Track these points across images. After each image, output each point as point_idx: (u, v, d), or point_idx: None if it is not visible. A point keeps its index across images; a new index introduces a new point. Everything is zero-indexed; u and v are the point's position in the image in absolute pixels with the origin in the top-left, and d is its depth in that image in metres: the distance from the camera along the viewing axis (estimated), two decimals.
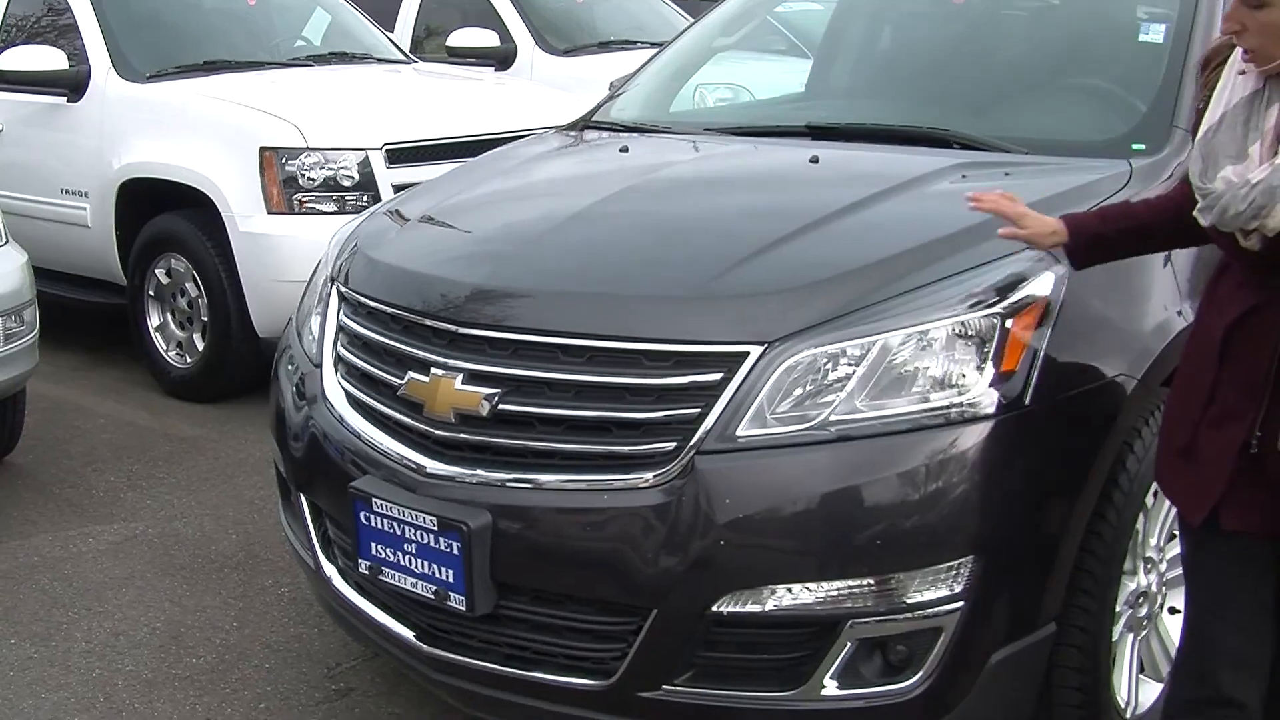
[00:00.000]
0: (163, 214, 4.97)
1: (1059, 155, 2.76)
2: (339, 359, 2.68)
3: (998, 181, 2.61)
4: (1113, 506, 2.33)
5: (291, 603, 3.41)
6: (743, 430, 2.14)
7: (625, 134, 3.29)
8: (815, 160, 2.77)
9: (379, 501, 2.41)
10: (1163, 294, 2.48)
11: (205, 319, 4.91)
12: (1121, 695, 2.52)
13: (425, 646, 2.45)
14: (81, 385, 5.28)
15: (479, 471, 2.31)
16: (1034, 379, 2.17)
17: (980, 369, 2.16)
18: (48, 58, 5.13)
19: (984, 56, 3.24)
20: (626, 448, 2.21)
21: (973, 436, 2.12)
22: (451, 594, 2.33)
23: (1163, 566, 2.62)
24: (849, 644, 2.14)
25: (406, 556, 2.39)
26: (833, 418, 2.14)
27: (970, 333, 2.18)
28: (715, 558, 2.12)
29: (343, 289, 2.75)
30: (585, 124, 3.48)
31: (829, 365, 2.16)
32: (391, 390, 2.49)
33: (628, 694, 2.23)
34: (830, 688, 2.16)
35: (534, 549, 2.26)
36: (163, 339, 5.11)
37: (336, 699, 2.99)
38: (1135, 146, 2.77)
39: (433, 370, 2.40)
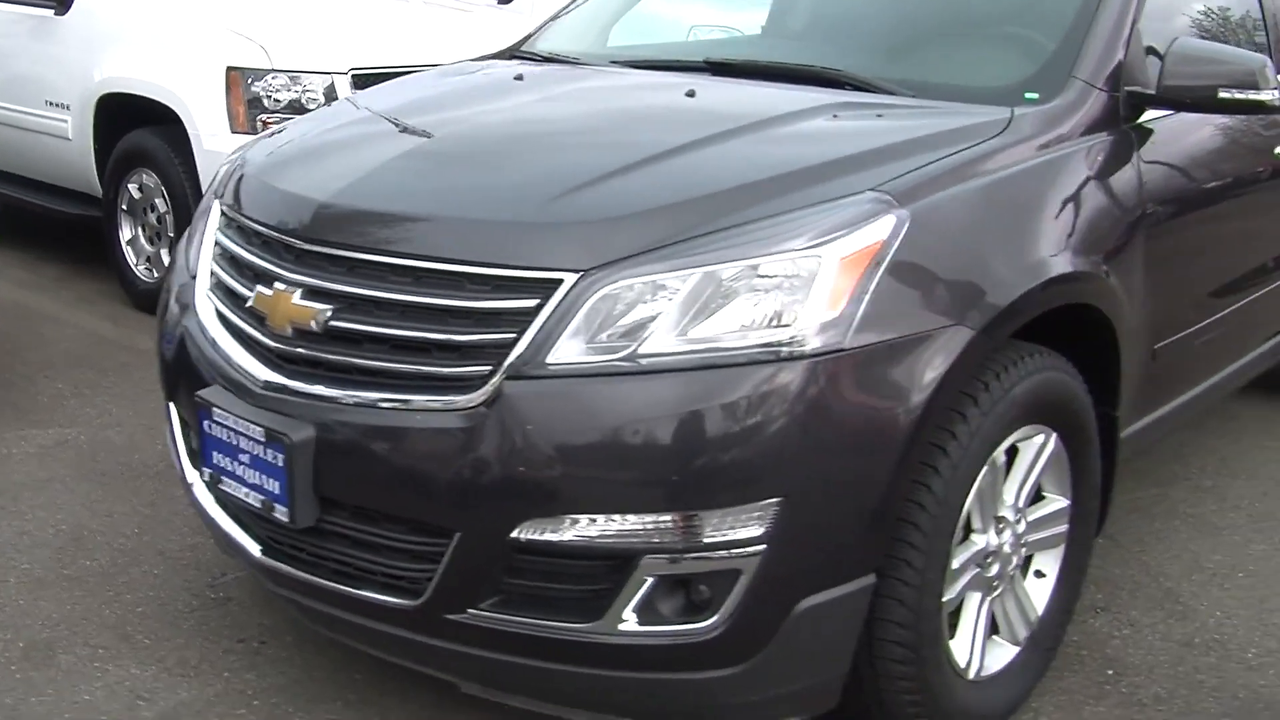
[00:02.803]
0: (137, 129, 5.01)
1: (946, 100, 2.67)
2: (212, 272, 2.69)
3: (867, 122, 2.53)
4: (946, 459, 2.25)
5: (196, 514, 3.45)
6: (553, 358, 2.11)
7: (539, 64, 3.24)
8: (691, 94, 2.71)
9: (219, 411, 2.42)
10: (1034, 245, 2.40)
11: (172, 235, 4.95)
12: (962, 655, 2.47)
13: (265, 558, 2.47)
14: (58, 295, 5.38)
15: (308, 386, 2.31)
16: (857, 322, 2.10)
17: (800, 308, 2.09)
18: None
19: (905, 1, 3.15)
20: (445, 369, 2.19)
21: (785, 376, 2.05)
22: (277, 505, 2.33)
23: (1020, 527, 2.56)
24: (648, 580, 2.10)
25: (241, 466, 2.41)
26: (643, 350, 2.09)
27: (793, 271, 2.11)
28: (515, 484, 2.10)
29: (221, 203, 2.76)
30: (511, 53, 3.43)
31: (645, 296, 2.11)
32: (242, 302, 2.50)
33: (435, 615, 2.22)
34: (629, 622, 2.13)
35: (353, 465, 2.25)
36: (133, 253, 5.18)
37: (212, 607, 3.02)
38: (1028, 95, 2.67)
39: (276, 284, 2.40)
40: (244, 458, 2.39)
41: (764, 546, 2.09)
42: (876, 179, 2.27)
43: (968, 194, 2.34)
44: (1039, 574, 2.71)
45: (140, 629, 2.93)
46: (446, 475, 2.15)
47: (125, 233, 5.18)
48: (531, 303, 2.14)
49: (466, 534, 2.16)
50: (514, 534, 2.11)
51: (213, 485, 2.51)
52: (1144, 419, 3.01)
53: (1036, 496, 2.65)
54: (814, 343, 2.08)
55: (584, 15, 3.58)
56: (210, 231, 2.76)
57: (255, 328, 2.44)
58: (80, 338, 4.86)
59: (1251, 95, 2.76)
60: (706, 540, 2.08)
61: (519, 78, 3.04)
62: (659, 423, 2.07)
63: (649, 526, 2.08)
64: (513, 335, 2.14)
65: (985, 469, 2.37)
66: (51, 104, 5.32)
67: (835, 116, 2.57)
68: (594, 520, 2.09)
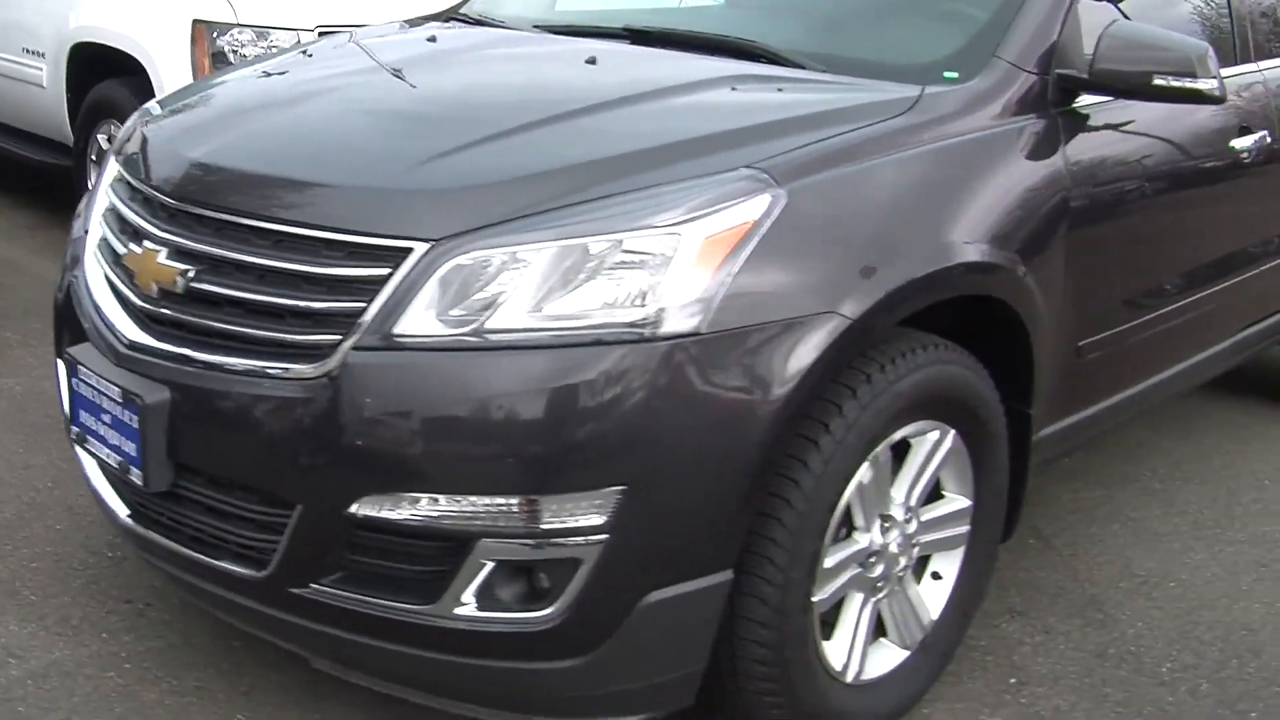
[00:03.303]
0: (107, 80, 4.97)
1: (859, 75, 2.55)
2: (101, 228, 2.64)
3: (767, 95, 2.42)
4: (817, 453, 2.15)
5: None
6: (400, 329, 2.02)
7: (465, 26, 3.14)
8: (592, 61, 2.60)
9: (83, 369, 2.37)
10: (926, 231, 2.28)
11: None
12: (838, 658, 2.37)
13: (129, 522, 2.42)
14: (26, 244, 5.36)
15: (167, 346, 2.25)
16: (716, 306, 2.00)
17: (657, 288, 1.99)
18: None
19: None
20: (298, 337, 2.11)
21: (631, 359, 1.96)
22: (132, 468, 2.28)
23: (911, 527, 2.45)
24: (487, 564, 2.03)
25: (103, 426, 2.35)
26: (491, 324, 2.00)
27: (653, 249, 2.01)
28: (353, 458, 2.02)
29: (115, 158, 2.70)
30: (450, 14, 3.34)
31: (496, 268, 2.02)
32: (118, 259, 2.44)
33: (280, 588, 2.16)
34: (468, 607, 2.05)
35: (206, 431, 2.19)
36: None
37: (107, 566, 2.98)
38: (947, 74, 2.55)
39: (146, 242, 2.34)
40: (106, 418, 2.34)
41: (606, 536, 2.00)
42: (757, 155, 2.16)
43: (856, 174, 2.23)
44: (936, 576, 2.60)
45: (29, 585, 2.89)
46: (291, 445, 2.09)
47: (92, 183, 5.13)
48: (382, 271, 2.06)
49: (308, 507, 2.09)
50: (352, 509, 2.04)
51: (80, 444, 2.46)
52: (1069, 418, 2.88)
53: (935, 495, 2.55)
54: (667, 325, 1.98)
55: None
56: (104, 187, 2.70)
57: (127, 285, 2.38)
58: (41, 287, 4.82)
59: (1188, 84, 2.62)
60: (545, 526, 2.00)
61: (432, 39, 2.94)
62: (499, 401, 1.98)
63: (486, 509, 2.00)
64: (363, 305, 2.06)
65: (866, 465, 2.27)
66: (29, 51, 5.29)
67: (734, 89, 2.46)
68: (431, 500, 2.02)
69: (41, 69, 5.23)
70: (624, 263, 2.02)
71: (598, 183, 2.11)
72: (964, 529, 2.59)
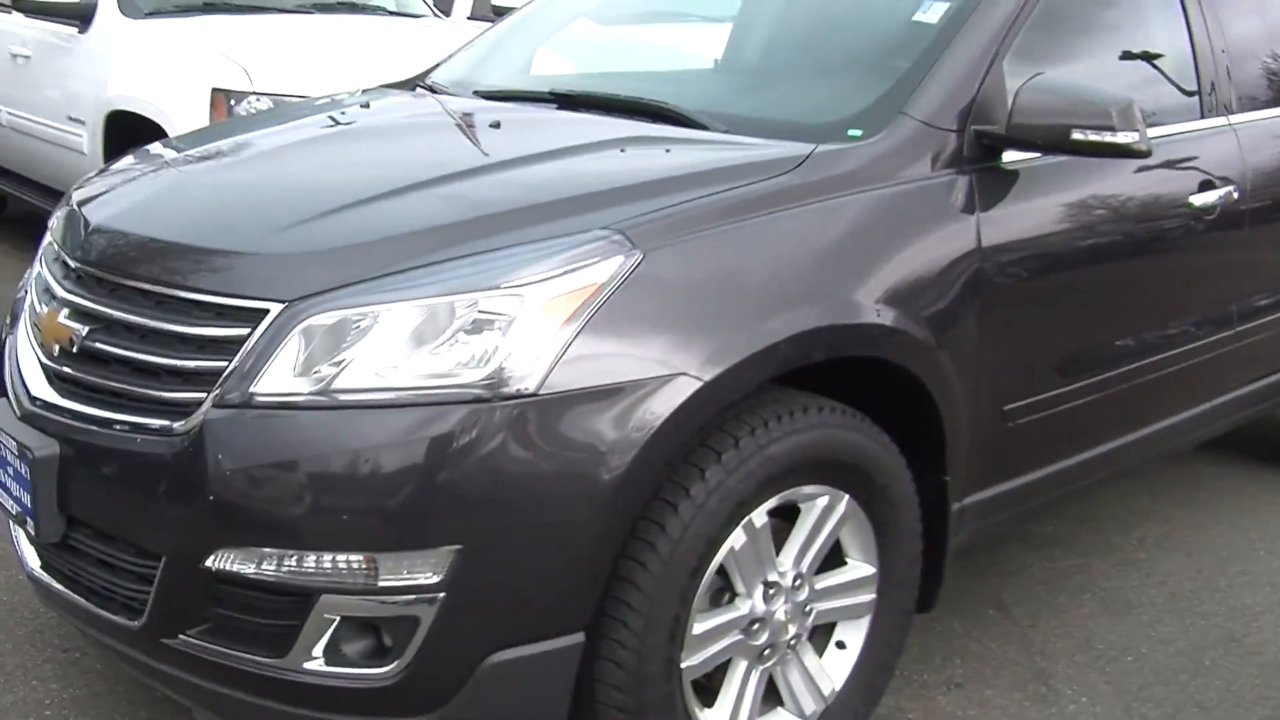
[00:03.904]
0: (138, 145, 5.18)
1: (763, 135, 2.53)
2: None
3: (651, 157, 2.43)
4: (675, 517, 2.13)
5: None
6: (257, 388, 2.07)
7: (409, 92, 3.21)
8: (496, 125, 2.64)
9: None
10: (800, 293, 2.25)
11: None
12: None
13: (40, 573, 2.50)
14: None
15: (63, 402, 2.33)
16: (557, 368, 2.00)
17: (499, 350, 2.01)
18: None
19: (777, 28, 3.01)
20: (169, 394, 2.17)
21: (473, 420, 1.97)
22: (27, 518, 2.36)
23: (802, 595, 2.39)
24: (333, 620, 2.05)
25: (8, 478, 2.44)
26: (338, 384, 2.03)
27: (497, 310, 2.03)
28: (210, 512, 2.07)
29: (50, 222, 2.83)
30: (412, 82, 3.41)
31: (347, 329, 2.05)
32: (36, 318, 2.55)
33: (154, 638, 2.21)
34: (316, 662, 2.07)
35: (89, 483, 2.27)
36: None
37: (55, 615, 3.07)
38: (851, 132, 2.52)
39: (51, 302, 2.44)
40: (10, 470, 2.43)
41: (443, 595, 2.00)
42: (617, 217, 2.16)
43: (721, 235, 2.21)
44: (840, 645, 2.53)
45: None
46: (156, 499, 2.15)
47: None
48: (243, 331, 2.12)
49: (170, 559, 2.14)
50: (209, 563, 2.08)
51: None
52: (1001, 485, 2.78)
53: (839, 561, 2.49)
54: (507, 387, 2.00)
55: (492, 44, 3.53)
56: (41, 249, 2.83)
57: (38, 344, 2.48)
58: None
59: (1107, 138, 2.55)
60: (383, 584, 2.01)
61: (365, 106, 3.03)
62: (340, 460, 2.01)
63: (327, 566, 2.03)
64: (225, 364, 2.12)
65: (739, 530, 2.24)
66: (72, 119, 5.55)
67: (622, 151, 2.48)
68: (279, 555, 2.05)
69: (82, 135, 5.48)
70: (470, 323, 2.04)
71: (453, 244, 2.14)
72: (868, 597, 2.52)
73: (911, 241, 2.46)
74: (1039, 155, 2.69)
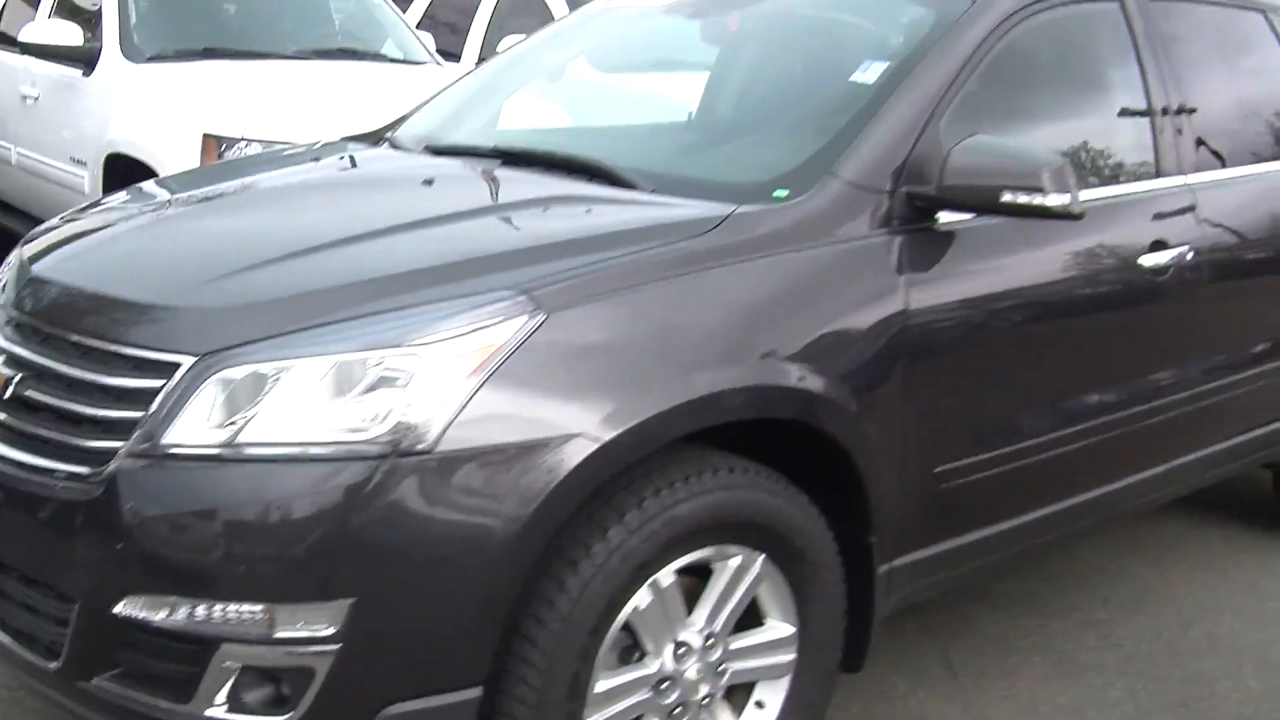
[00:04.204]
0: None
1: (690, 195, 2.54)
2: None
3: (572, 216, 2.46)
4: (575, 576, 2.15)
5: None
6: (166, 439, 2.11)
7: (362, 148, 3.25)
8: (429, 183, 2.69)
9: None
10: (707, 354, 2.26)
11: None
12: None
13: None
14: None
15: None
16: (455, 426, 2.04)
17: (399, 407, 2.04)
18: (64, 32, 5.57)
19: (723, 85, 3.04)
20: (89, 443, 2.22)
21: (371, 475, 2.01)
22: None
23: (715, 654, 2.39)
24: (233, 668, 2.08)
25: None
26: (244, 437, 2.07)
27: (399, 368, 2.06)
28: (118, 559, 2.12)
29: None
30: (378, 135, 3.45)
31: (255, 383, 2.09)
32: None
33: (70, 680, 2.25)
34: (220, 709, 2.10)
35: (15, 528, 2.32)
36: None
37: None
38: (777, 193, 2.53)
39: None
40: None
41: (338, 646, 2.03)
42: (524, 277, 2.19)
43: (630, 297, 2.23)
44: (759, 705, 2.52)
45: None
46: (72, 545, 2.20)
47: None
48: (157, 383, 2.16)
49: (84, 604, 2.19)
50: (118, 609, 2.12)
51: None
52: (934, 547, 2.76)
53: (758, 620, 2.48)
54: (405, 443, 2.03)
55: (460, 96, 3.57)
56: None
57: None
58: None
59: (1036, 200, 2.55)
60: (279, 635, 2.04)
61: (315, 159, 3.09)
62: (241, 511, 2.06)
63: (228, 615, 2.06)
64: (139, 415, 2.16)
65: (645, 589, 2.25)
66: (74, 160, 5.67)
67: (545, 210, 2.51)
68: (180, 603, 2.08)
69: (84, 177, 5.60)
70: (373, 381, 2.07)
71: (362, 302, 2.17)
72: (787, 657, 2.51)
73: (833, 303, 2.47)
74: (975, 216, 2.70)
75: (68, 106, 5.76)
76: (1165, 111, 3.30)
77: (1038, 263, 2.87)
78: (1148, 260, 3.09)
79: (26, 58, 6.00)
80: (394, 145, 3.22)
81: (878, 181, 2.59)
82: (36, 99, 5.99)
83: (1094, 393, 3.03)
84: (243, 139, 4.85)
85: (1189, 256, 3.18)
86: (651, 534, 2.21)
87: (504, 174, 2.79)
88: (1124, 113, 3.27)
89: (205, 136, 4.89)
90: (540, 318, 2.13)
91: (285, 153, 3.35)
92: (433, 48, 6.50)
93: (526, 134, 3.22)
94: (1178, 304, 3.20)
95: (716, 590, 2.38)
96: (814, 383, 2.38)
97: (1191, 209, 3.27)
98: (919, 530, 2.71)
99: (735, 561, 2.37)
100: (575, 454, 2.09)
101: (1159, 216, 3.18)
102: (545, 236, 2.37)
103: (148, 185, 3.27)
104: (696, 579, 2.38)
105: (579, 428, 2.11)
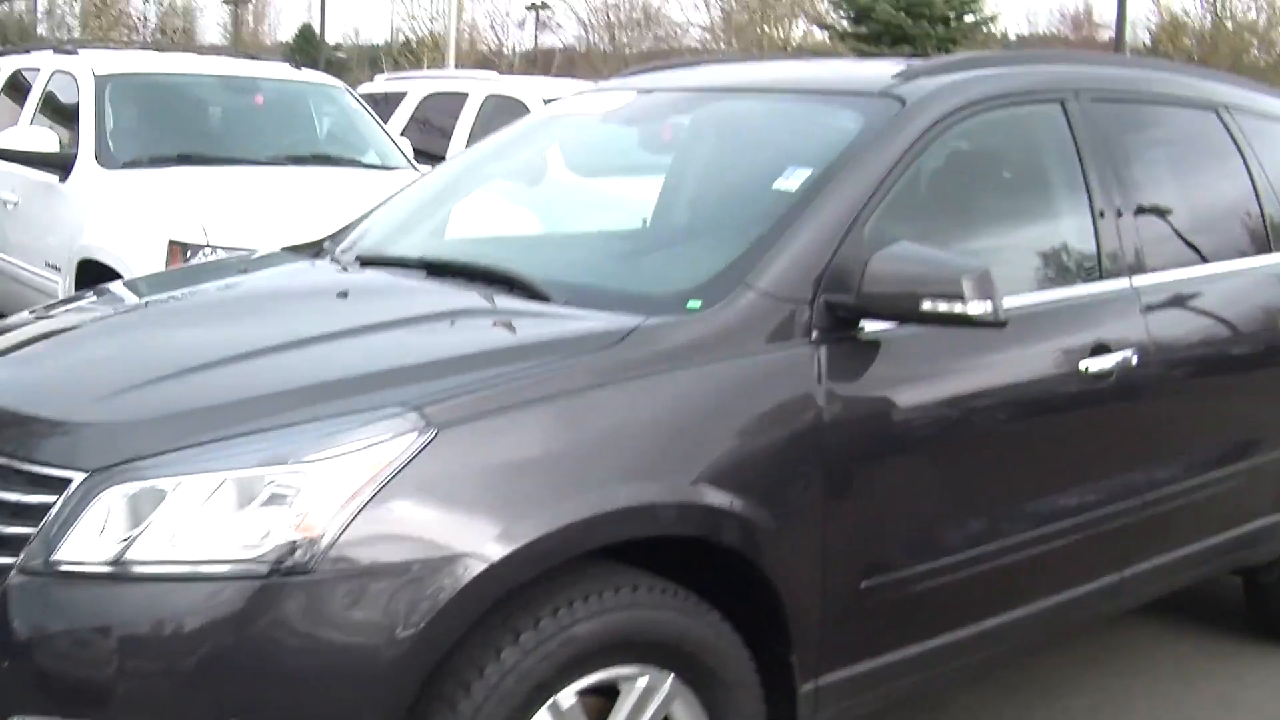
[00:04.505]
0: None
1: (603, 306, 2.51)
2: None
3: (477, 330, 2.44)
4: (467, 699, 2.08)
5: None
6: (57, 556, 2.09)
7: (297, 260, 3.25)
8: (344, 295, 2.68)
9: None
10: (605, 471, 2.21)
11: None
12: None
13: None
14: None
15: None
16: (339, 545, 2.00)
17: (283, 525, 2.01)
18: (40, 139, 5.65)
19: (654, 191, 3.03)
20: None
21: (256, 596, 1.98)
22: None
23: None
24: None
25: None
26: (133, 555, 2.04)
27: (286, 485, 2.04)
28: (5, 679, 2.07)
29: None
30: (318, 244, 3.44)
31: (143, 501, 2.07)
32: None
33: None
34: None
35: None
36: None
37: None
38: (690, 304, 2.49)
39: None
40: None
41: None
42: (417, 393, 2.16)
43: (524, 413, 2.19)
44: None
45: None
46: None
47: None
48: (49, 499, 2.13)
49: None
50: None
51: None
52: (864, 664, 2.66)
53: None
54: (288, 564, 2.00)
55: (406, 204, 3.57)
56: None
57: None
58: None
59: (957, 308, 2.50)
60: None
61: (243, 270, 3.09)
62: (125, 631, 2.03)
63: None
64: (31, 531, 2.12)
65: (544, 711, 2.17)
66: (50, 265, 5.72)
67: (452, 323, 2.49)
68: None
69: (58, 281, 5.64)
70: (259, 499, 2.04)
71: (253, 419, 2.15)
72: None
73: (742, 416, 2.42)
74: (900, 325, 2.65)
75: (44, 212, 5.83)
76: (1109, 214, 3.25)
77: (969, 370, 2.81)
78: (1088, 365, 3.03)
79: (8, 164, 6.09)
80: (328, 256, 3.21)
81: (796, 291, 2.55)
82: (16, 204, 6.06)
83: (1034, 502, 2.95)
84: (207, 246, 4.88)
85: (1134, 361, 3.12)
86: (548, 654, 2.14)
87: (422, 286, 2.77)
88: (1065, 215, 3.24)
89: (171, 243, 4.93)
90: (430, 434, 2.09)
91: (216, 264, 3.35)
92: (411, 153, 6.57)
93: (456, 244, 3.21)
94: (1123, 409, 3.13)
95: (624, 712, 2.29)
96: (720, 498, 2.32)
97: (1137, 312, 3.21)
98: (847, 646, 2.62)
99: (643, 681, 2.29)
100: (464, 574, 2.04)
101: (1101, 320, 3.12)
102: (444, 351, 2.34)
103: (77, 296, 3.28)
104: (604, 699, 2.30)
105: (468, 547, 2.06)
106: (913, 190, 2.87)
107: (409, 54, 37.65)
